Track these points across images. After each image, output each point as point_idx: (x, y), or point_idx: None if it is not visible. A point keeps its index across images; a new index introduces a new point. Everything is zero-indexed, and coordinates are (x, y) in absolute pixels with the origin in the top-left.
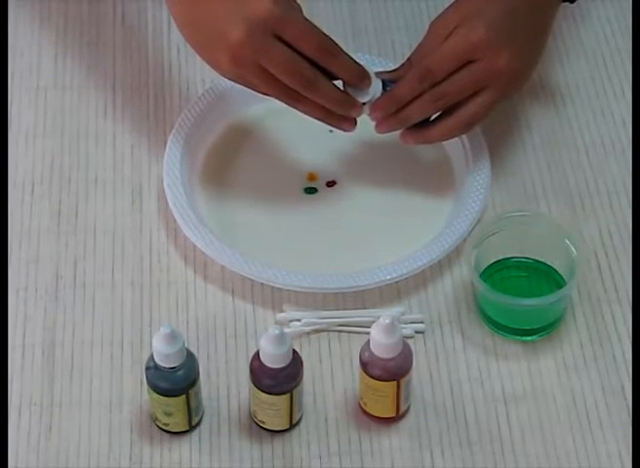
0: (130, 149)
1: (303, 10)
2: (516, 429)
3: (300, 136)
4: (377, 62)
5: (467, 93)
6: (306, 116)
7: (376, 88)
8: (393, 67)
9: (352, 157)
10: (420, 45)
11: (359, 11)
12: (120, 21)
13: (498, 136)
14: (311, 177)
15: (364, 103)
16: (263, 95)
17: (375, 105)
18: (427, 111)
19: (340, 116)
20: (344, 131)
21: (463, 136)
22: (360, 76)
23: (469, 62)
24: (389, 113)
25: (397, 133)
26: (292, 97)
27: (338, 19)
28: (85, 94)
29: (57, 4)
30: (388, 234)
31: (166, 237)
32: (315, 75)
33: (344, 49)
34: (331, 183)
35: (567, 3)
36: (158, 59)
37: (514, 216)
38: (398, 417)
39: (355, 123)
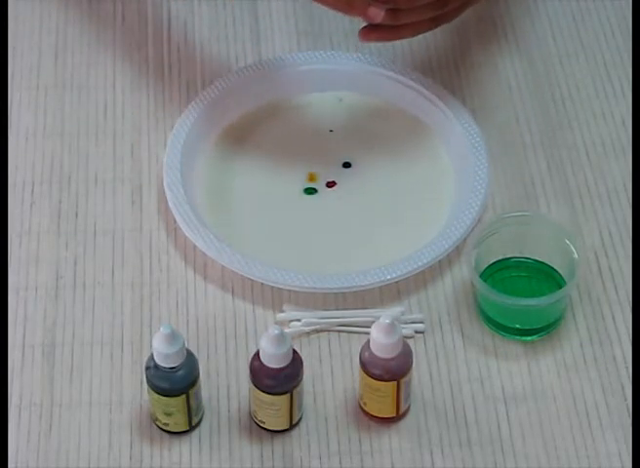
0: (130, 149)
1: (304, 9)
2: (516, 429)
3: (301, 136)
4: (377, 62)
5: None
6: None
7: None
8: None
9: (352, 157)
10: None
11: None
12: (120, 21)
13: (497, 136)
14: (311, 178)
15: None
16: None
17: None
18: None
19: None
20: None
21: (463, 137)
22: None
23: None
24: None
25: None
26: None
27: (338, 18)
28: (85, 93)
29: (57, 4)
30: (388, 234)
31: (166, 237)
32: None
33: (345, 48)
34: (331, 184)
35: None
36: (158, 59)
37: (514, 216)
38: (398, 417)
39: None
